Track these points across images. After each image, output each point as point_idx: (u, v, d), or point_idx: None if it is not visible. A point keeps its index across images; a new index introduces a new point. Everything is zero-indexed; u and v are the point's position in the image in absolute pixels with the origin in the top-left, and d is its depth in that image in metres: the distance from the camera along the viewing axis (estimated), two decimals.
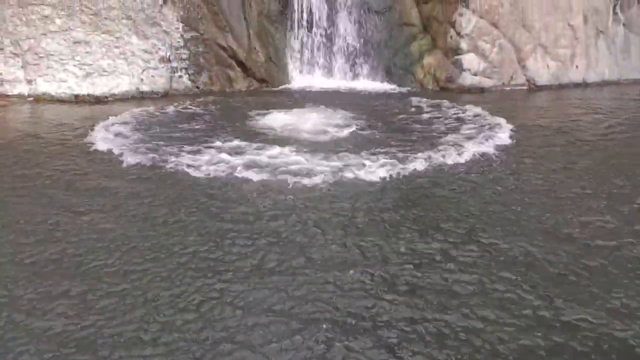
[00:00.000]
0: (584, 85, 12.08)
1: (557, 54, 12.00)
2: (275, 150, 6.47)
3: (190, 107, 9.19)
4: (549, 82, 11.94)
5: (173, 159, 6.17)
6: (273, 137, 7.24)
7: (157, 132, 7.47)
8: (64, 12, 9.72)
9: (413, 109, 9.31)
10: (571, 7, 11.98)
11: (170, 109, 8.95)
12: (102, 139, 7.00)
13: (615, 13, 12.44)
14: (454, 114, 8.96)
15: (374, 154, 6.38)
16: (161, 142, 6.85)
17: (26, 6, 9.48)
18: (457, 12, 11.71)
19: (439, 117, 8.78)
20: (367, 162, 6.05)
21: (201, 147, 6.65)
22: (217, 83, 10.88)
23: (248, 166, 5.91)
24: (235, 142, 6.80)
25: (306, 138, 7.18)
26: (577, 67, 12.16)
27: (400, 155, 6.38)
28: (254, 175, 5.64)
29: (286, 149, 6.49)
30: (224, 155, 6.23)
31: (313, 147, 6.72)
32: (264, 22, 11.67)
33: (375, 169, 5.83)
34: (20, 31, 9.46)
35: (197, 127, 7.87)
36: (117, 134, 7.21)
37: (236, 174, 5.70)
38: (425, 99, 9.95)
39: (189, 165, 5.95)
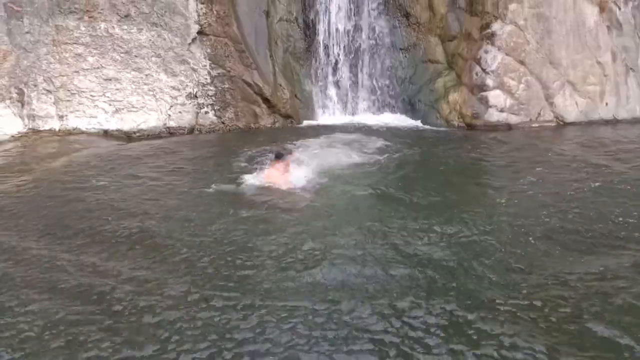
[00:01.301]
0: (614, 122, 11.85)
1: (586, 90, 11.84)
2: None
3: None
4: (578, 119, 11.75)
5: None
6: None
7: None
8: (97, 51, 9.98)
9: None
10: (599, 45, 11.87)
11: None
12: None
13: None
14: None
15: None
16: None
17: (60, 45, 9.77)
18: (482, 49, 11.71)
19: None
20: None
21: None
22: (243, 119, 10.97)
23: None
24: None
25: None
26: (606, 104, 11.96)
27: None
28: None
29: None
30: None
31: None
32: (290, 59, 11.82)
33: None
34: (53, 69, 9.73)
35: None
36: None
37: None
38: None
39: None
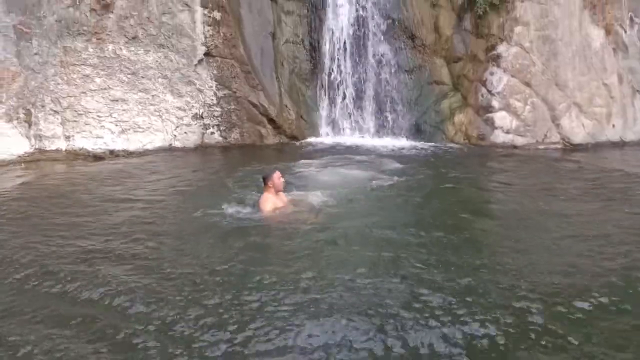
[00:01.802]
0: (621, 144, 11.77)
1: (592, 112, 11.79)
2: None
3: None
4: (585, 141, 11.68)
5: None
6: None
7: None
8: (104, 72, 10.06)
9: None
10: (605, 67, 11.86)
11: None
12: None
13: None
14: None
15: None
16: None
17: (68, 66, 9.86)
18: (488, 70, 11.72)
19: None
20: None
21: None
22: (248, 139, 10.98)
23: None
24: None
25: None
26: (613, 125, 11.89)
27: None
28: None
29: None
30: None
31: None
32: (295, 80, 11.88)
33: None
34: (61, 89, 9.81)
35: None
36: None
37: None
38: None
39: None
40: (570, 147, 11.50)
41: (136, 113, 10.23)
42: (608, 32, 11.88)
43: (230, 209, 6.19)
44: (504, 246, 5.28)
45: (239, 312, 3.91)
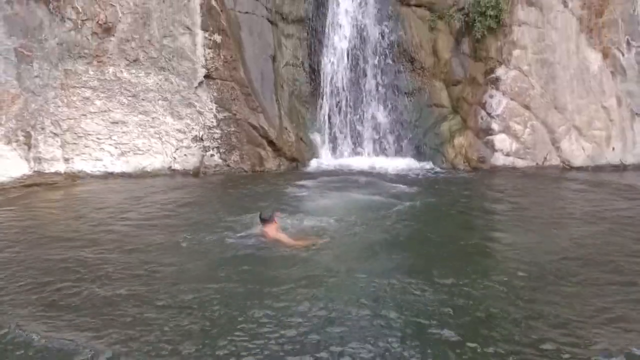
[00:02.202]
0: (621, 167, 11.76)
1: (592, 135, 11.81)
2: None
3: None
4: (585, 164, 11.68)
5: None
6: None
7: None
8: (104, 94, 10.08)
9: None
10: (603, 90, 11.91)
11: None
12: None
13: None
14: None
15: None
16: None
17: (68, 88, 9.87)
18: (487, 93, 11.77)
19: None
20: None
21: None
22: (248, 162, 10.95)
23: None
24: None
25: None
26: (613, 148, 11.90)
27: None
28: None
29: None
30: None
31: None
32: (296, 102, 11.91)
33: None
34: (61, 112, 9.81)
35: None
36: None
37: None
38: None
39: None
40: (570, 170, 11.49)
41: (136, 135, 10.21)
42: (605, 55, 11.97)
43: (229, 236, 6.13)
44: (509, 273, 5.21)
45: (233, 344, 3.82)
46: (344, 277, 4.99)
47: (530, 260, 5.51)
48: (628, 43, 12.38)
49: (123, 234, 6.42)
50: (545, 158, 11.58)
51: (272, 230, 5.89)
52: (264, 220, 5.93)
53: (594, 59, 11.98)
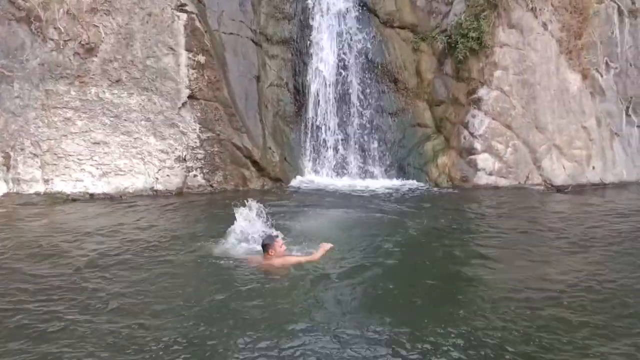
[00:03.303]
0: (602, 186, 11.91)
1: (572, 154, 11.97)
2: None
3: None
4: (566, 183, 11.80)
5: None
6: None
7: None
8: (86, 115, 10.00)
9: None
10: (583, 110, 12.12)
11: None
12: None
13: (628, 115, 12.55)
14: None
15: None
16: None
17: (49, 109, 9.79)
18: (469, 113, 11.91)
19: None
20: None
21: None
22: (232, 182, 10.89)
23: None
24: None
25: None
26: (593, 167, 12.06)
27: None
28: None
29: None
30: None
31: None
32: (279, 122, 11.92)
33: None
34: (41, 132, 9.70)
35: None
36: None
37: None
38: None
39: None
40: (552, 189, 11.60)
41: (118, 156, 10.12)
42: (585, 76, 12.19)
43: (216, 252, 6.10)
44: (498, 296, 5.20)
45: None
46: (331, 300, 4.97)
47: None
48: (607, 64, 12.65)
49: (98, 252, 6.33)
50: (527, 177, 11.69)
51: (277, 256, 5.73)
52: (266, 247, 5.76)
53: (574, 79, 12.20)
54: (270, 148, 11.42)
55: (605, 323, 4.61)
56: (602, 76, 12.39)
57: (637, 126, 12.67)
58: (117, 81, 10.23)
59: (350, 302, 4.98)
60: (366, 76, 12.26)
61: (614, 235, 7.55)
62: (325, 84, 12.13)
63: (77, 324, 4.48)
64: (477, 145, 11.68)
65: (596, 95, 12.30)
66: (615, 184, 11.97)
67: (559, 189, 11.47)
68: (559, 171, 11.86)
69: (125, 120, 10.25)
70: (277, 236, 5.91)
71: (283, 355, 3.92)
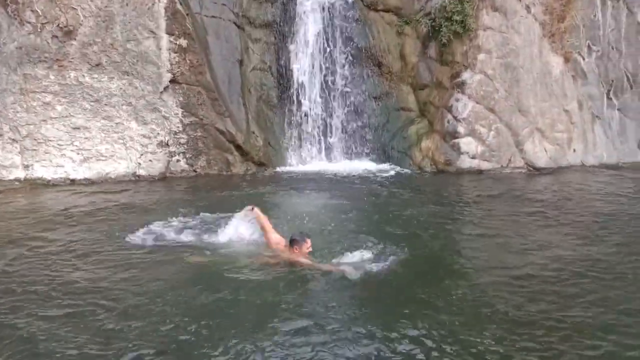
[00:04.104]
0: (582, 168, 12.06)
1: (554, 137, 12.08)
2: None
3: None
4: (548, 165, 11.92)
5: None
6: None
7: None
8: (66, 99, 9.85)
9: None
10: (565, 94, 12.20)
11: None
12: None
13: (609, 99, 12.67)
14: None
15: None
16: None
17: (28, 93, 9.63)
18: (453, 97, 11.92)
19: None
20: None
21: None
22: (215, 167, 10.85)
23: None
24: None
25: None
26: (574, 150, 12.19)
27: None
28: None
29: None
30: None
31: None
32: (263, 107, 11.86)
33: None
34: (20, 117, 9.55)
35: None
36: None
37: None
38: None
39: None
40: (534, 172, 11.71)
41: (99, 141, 10.02)
42: (567, 59, 12.26)
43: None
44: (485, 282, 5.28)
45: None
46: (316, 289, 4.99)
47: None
48: (589, 47, 12.73)
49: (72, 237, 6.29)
50: (509, 160, 11.79)
51: (300, 253, 5.66)
52: (294, 243, 5.67)
53: (556, 63, 12.26)
54: (253, 132, 11.37)
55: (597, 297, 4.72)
56: (584, 59, 12.47)
57: (618, 109, 12.81)
58: (97, 65, 10.08)
59: (339, 295, 4.90)
60: (350, 60, 12.21)
61: (595, 215, 7.69)
62: (309, 68, 12.06)
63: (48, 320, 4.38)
64: (461, 129, 11.72)
65: (578, 79, 12.39)
66: (596, 166, 12.12)
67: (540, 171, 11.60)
68: (541, 154, 11.97)
69: (106, 104, 10.12)
70: (309, 237, 5.77)
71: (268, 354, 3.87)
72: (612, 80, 12.81)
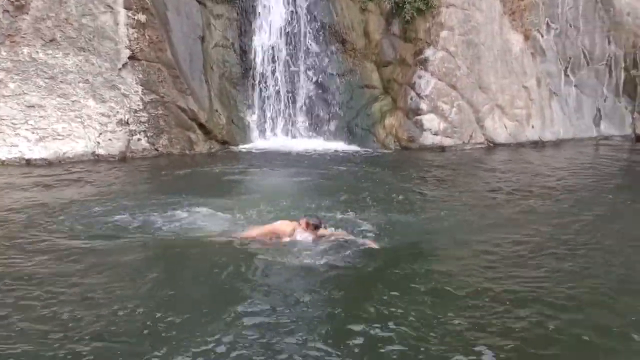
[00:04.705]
0: (540, 144, 12.40)
1: (513, 114, 12.36)
2: None
3: None
4: (507, 141, 12.22)
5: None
6: None
7: None
8: (19, 77, 9.51)
9: None
10: (525, 71, 12.46)
11: None
12: None
13: (566, 75, 13.00)
14: None
15: None
16: None
17: None
18: (416, 74, 12.03)
19: None
20: None
21: None
22: (177, 145, 10.70)
23: None
24: None
25: None
26: (532, 126, 12.51)
27: None
28: None
29: None
30: None
31: None
32: (226, 84, 11.71)
33: None
34: None
35: None
36: None
37: None
38: None
39: None
40: (494, 147, 11.99)
41: (55, 120, 9.74)
42: (526, 37, 12.49)
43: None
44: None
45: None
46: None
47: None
48: (548, 25, 12.99)
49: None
50: (470, 136, 12.03)
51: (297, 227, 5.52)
52: (310, 223, 5.47)
53: (516, 40, 12.48)
54: (216, 110, 11.24)
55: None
56: (542, 37, 12.72)
57: (575, 86, 13.16)
58: (51, 40, 9.74)
59: (305, 279, 4.85)
60: (314, 37, 12.13)
61: (550, 189, 7.95)
62: (272, 44, 11.94)
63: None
64: (423, 105, 11.86)
65: (537, 56, 12.65)
66: (553, 142, 12.49)
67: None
68: (501, 130, 12.25)
69: (61, 82, 9.82)
70: (324, 227, 5.61)
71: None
72: (570, 58, 13.14)
